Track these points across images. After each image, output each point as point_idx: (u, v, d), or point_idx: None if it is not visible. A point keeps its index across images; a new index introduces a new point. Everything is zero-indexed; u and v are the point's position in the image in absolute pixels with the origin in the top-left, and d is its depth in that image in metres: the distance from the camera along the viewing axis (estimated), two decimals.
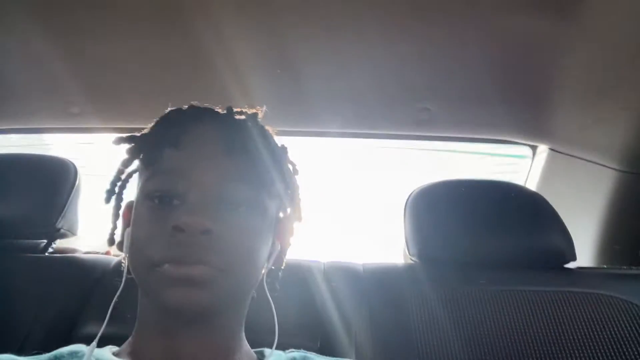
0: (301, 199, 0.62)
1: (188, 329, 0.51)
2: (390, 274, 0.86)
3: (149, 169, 0.53)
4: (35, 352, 0.55)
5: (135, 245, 0.51)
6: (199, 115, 0.55)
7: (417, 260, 0.88)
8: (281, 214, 0.60)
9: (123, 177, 0.58)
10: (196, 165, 0.51)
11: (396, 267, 0.88)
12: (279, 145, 0.60)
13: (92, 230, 1.06)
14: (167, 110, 0.57)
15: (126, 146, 0.57)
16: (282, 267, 0.63)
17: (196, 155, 0.51)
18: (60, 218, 0.90)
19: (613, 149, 1.01)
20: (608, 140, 1.01)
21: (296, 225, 0.62)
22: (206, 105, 0.58)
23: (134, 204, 0.54)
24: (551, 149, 1.16)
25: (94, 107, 1.08)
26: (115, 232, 0.59)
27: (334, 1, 0.81)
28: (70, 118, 1.10)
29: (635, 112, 0.91)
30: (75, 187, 0.95)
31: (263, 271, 0.57)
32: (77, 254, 0.89)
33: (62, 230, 0.92)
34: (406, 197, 0.94)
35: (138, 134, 0.57)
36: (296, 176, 0.62)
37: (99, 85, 1.00)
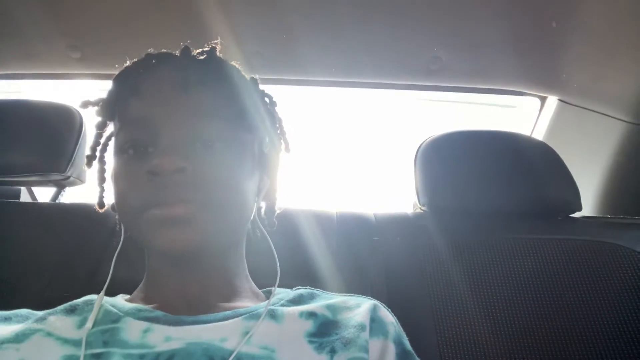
0: (285, 131, 0.61)
1: (190, 270, 0.52)
2: (402, 223, 0.87)
3: (117, 123, 0.53)
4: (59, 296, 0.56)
5: (118, 198, 0.51)
6: (156, 60, 0.54)
7: (427, 210, 0.89)
8: (266, 149, 0.59)
9: (102, 140, 0.58)
10: (160, 108, 0.50)
11: (407, 216, 0.90)
12: (247, 78, 0.58)
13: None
14: (124, 65, 0.55)
15: (95, 108, 0.55)
16: (277, 204, 0.63)
17: (157, 98, 0.51)
18: (69, 166, 0.89)
19: (624, 101, 1.00)
20: (620, 92, 1.00)
21: (283, 156, 0.61)
22: (163, 50, 0.55)
23: (113, 162, 0.54)
24: (560, 100, 1.15)
25: (96, 52, 1.04)
26: (104, 195, 0.59)
27: None
28: (71, 63, 1.06)
29: None
30: (82, 135, 0.93)
31: (255, 209, 0.57)
32: (90, 202, 0.89)
33: (71, 178, 0.91)
34: (416, 148, 0.95)
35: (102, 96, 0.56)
36: (275, 108, 0.61)
37: (100, 28, 0.96)
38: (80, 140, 0.93)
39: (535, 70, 1.09)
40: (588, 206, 1.12)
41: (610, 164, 1.07)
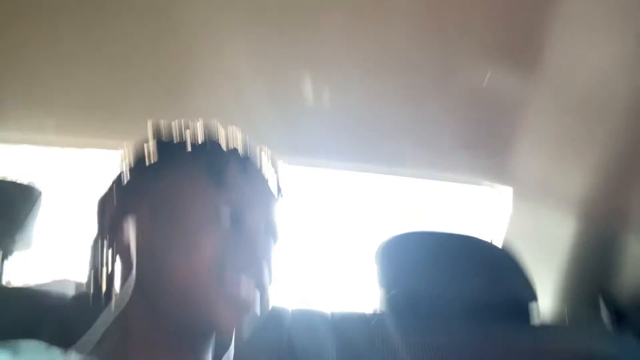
0: None
1: (186, 342, 0.52)
2: (359, 323, 0.85)
3: (216, 184, 0.53)
4: None
5: (201, 261, 0.49)
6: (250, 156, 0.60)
7: (386, 310, 0.88)
8: None
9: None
10: (256, 200, 0.56)
11: (365, 316, 0.88)
12: None
13: None
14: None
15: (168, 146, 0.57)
16: None
17: (258, 191, 0.57)
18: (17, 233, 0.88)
19: (573, 200, 1.05)
20: (568, 192, 1.05)
21: None
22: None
23: (165, 216, 0.53)
24: (516, 194, 1.21)
25: (71, 123, 1.06)
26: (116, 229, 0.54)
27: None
28: (45, 133, 1.07)
29: (592, 168, 0.97)
30: (35, 208, 0.92)
31: None
32: (30, 285, 0.85)
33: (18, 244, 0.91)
34: (376, 246, 0.95)
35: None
36: None
37: (78, 100, 0.99)
38: (32, 212, 0.92)
39: (492, 164, 1.15)
40: (546, 298, 1.12)
41: (564, 258, 1.09)
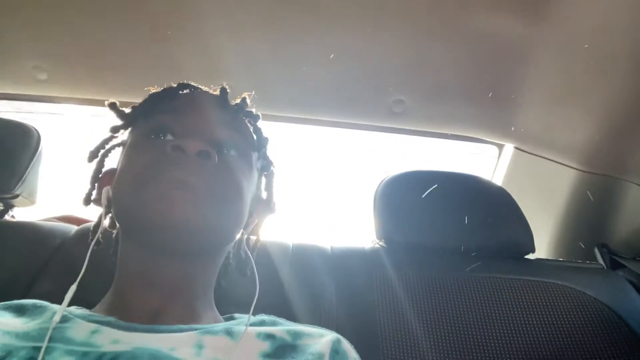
0: (275, 192, 0.66)
1: (161, 275, 0.52)
2: (358, 256, 0.87)
3: (140, 122, 0.56)
4: None
5: (125, 172, 0.53)
6: (194, 87, 0.62)
7: (383, 245, 0.89)
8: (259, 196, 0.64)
9: (107, 146, 0.61)
10: (193, 110, 0.56)
11: (363, 250, 0.89)
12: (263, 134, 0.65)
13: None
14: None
15: (122, 112, 0.60)
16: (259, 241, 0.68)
17: (193, 103, 0.57)
18: (19, 184, 0.86)
19: (575, 150, 1.05)
20: (570, 141, 1.05)
21: (270, 210, 0.66)
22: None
23: (123, 155, 0.57)
24: (516, 148, 1.20)
25: (63, 75, 1.04)
26: (92, 192, 0.61)
27: None
28: (37, 85, 1.05)
29: (595, 116, 0.96)
30: (37, 154, 0.91)
31: (238, 236, 0.61)
32: (35, 221, 0.86)
33: (20, 197, 0.88)
34: (376, 184, 0.96)
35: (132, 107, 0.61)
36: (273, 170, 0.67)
37: (68, 50, 0.97)
38: (34, 159, 0.91)
39: (493, 118, 1.14)
40: (542, 249, 1.14)
41: (562, 210, 1.10)
